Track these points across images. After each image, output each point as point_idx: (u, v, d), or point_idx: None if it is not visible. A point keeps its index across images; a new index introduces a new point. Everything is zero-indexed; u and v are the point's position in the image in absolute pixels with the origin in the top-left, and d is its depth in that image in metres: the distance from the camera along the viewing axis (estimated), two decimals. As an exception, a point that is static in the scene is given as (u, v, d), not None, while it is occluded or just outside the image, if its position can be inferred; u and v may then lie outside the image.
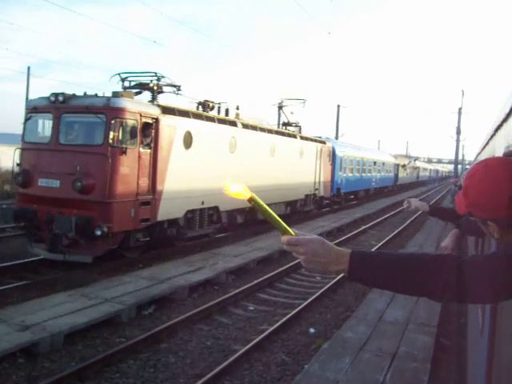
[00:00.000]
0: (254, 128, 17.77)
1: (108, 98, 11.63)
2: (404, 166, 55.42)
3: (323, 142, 25.77)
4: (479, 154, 8.42)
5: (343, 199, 31.33)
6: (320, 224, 21.95)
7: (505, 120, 2.56)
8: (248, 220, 18.54)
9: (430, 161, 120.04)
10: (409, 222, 26.46)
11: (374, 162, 39.44)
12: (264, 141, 18.49)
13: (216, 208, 15.50)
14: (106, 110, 11.37)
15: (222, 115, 17.07)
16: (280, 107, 23.95)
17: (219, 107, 17.23)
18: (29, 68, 47.89)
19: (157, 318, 9.30)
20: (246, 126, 17.09)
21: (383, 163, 43.16)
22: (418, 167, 70.22)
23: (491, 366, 2.49)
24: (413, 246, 17.36)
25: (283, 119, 24.62)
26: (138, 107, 11.98)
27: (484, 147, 6.27)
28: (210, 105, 16.96)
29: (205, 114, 14.89)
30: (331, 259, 1.65)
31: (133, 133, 11.69)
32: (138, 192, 11.91)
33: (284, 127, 23.93)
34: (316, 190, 24.50)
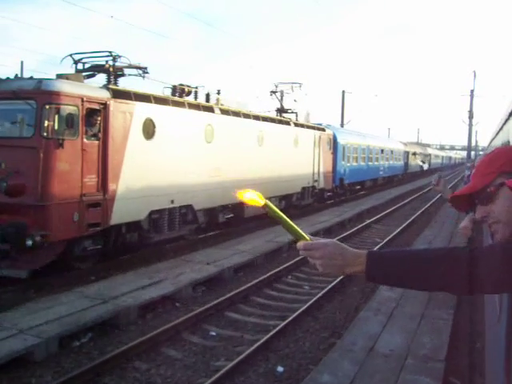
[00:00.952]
0: (237, 114, 15.69)
1: (39, 81, 9.63)
2: (414, 153, 52.99)
3: (322, 130, 23.60)
4: (493, 139, 8.45)
5: (347, 190, 29.15)
6: (319, 219, 19.87)
7: None
8: (234, 218, 16.53)
9: (442, 148, 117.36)
10: (419, 213, 24.29)
11: (382, 150, 37.17)
12: (250, 129, 16.42)
13: (190, 207, 13.47)
14: (37, 95, 9.38)
15: (202, 101, 15.05)
16: (273, 92, 21.78)
17: (196, 91, 15.19)
18: (22, 62, 46.04)
19: (87, 351, 7.32)
20: (225, 112, 15.02)
21: (391, 151, 40.85)
22: (430, 154, 67.63)
23: (510, 353, 2.17)
24: (421, 244, 15.24)
25: (281, 106, 22.44)
26: (78, 90, 9.95)
27: (498, 132, 5.95)
28: (186, 89, 14.95)
29: (172, 98, 12.83)
30: (348, 261, 1.65)
31: (72, 121, 9.69)
32: (82, 192, 9.91)
33: (279, 114, 21.82)
34: (315, 181, 22.38)
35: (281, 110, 22.04)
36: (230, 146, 15.08)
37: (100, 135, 10.32)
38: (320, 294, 10.13)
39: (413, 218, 22.24)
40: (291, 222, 1.69)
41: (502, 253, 1.54)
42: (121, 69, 12.53)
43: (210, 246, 13.85)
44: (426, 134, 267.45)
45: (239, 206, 16.19)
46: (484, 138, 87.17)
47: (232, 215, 16.55)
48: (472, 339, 7.77)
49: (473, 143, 62.57)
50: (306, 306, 9.25)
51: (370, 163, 33.63)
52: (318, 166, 22.60)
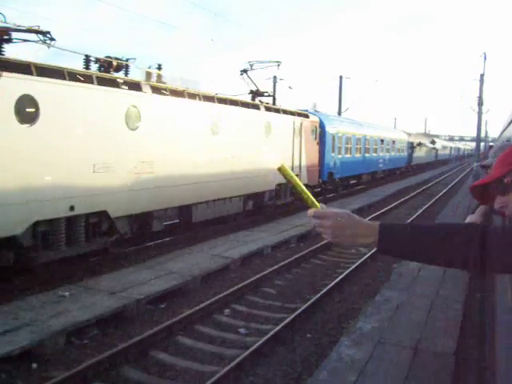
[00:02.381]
0: (178, 94, 12.39)
1: None
2: (420, 144, 49.40)
3: (305, 116, 20.18)
4: (505, 129, 7.38)
5: (339, 186, 25.79)
6: (294, 222, 16.59)
7: None
8: (180, 224, 13.34)
9: (451, 139, 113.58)
10: (420, 211, 21.00)
11: (382, 140, 33.72)
12: (199, 112, 13.13)
13: (104, 213, 10.23)
14: None
15: (137, 77, 11.83)
16: (244, 71, 18.39)
17: (127, 65, 11.95)
18: None
19: None
20: (159, 91, 11.72)
21: (393, 141, 37.34)
22: (436, 145, 63.95)
23: None
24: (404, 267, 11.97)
25: (256, 88, 19.04)
26: None
27: (511, 122, 5.56)
28: (114, 63, 11.74)
29: (67, 69, 9.52)
30: (359, 232, 1.62)
31: None
32: None
33: (253, 98, 18.50)
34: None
35: (255, 93, 18.69)
36: (167, 135, 11.83)
37: None
38: (254, 347, 6.90)
39: (412, 218, 18.91)
40: (304, 188, 1.67)
41: None
42: (5, 31, 9.37)
43: (129, 266, 10.68)
44: (435, 125, 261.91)
45: (185, 210, 12.96)
46: (495, 129, 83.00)
47: (177, 221, 13.35)
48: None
49: (483, 134, 58.88)
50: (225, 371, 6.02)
51: (367, 155, 30.16)
52: (300, 158, 19.26)
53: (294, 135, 18.60)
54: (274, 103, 18.72)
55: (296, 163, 18.94)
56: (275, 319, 8.42)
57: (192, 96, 12.79)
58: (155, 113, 11.44)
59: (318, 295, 9.43)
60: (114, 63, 11.81)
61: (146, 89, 11.29)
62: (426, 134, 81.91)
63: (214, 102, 13.69)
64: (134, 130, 10.83)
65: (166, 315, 8.48)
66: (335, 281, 10.37)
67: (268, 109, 16.91)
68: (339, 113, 38.90)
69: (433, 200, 26.01)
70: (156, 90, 11.57)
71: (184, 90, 12.61)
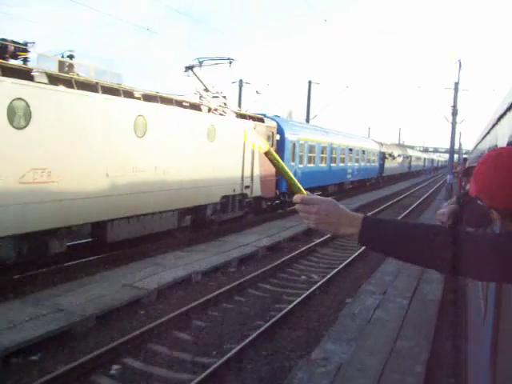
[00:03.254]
0: (89, 87, 10.17)
1: None
2: (391, 154, 47.73)
3: (259, 120, 18.08)
4: (479, 142, 7.55)
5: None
6: (241, 240, 14.44)
7: (509, 109, 2.51)
8: (93, 244, 11.14)
9: (426, 150, 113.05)
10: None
11: (350, 150, 31.80)
12: (118, 110, 10.92)
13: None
14: None
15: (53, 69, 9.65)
16: (190, 68, 16.19)
17: (25, 49, 9.77)
18: None
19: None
20: (56, 81, 9.48)
21: (363, 151, 35.45)
22: (410, 156, 62.50)
23: (496, 354, 2.29)
24: (373, 287, 9.94)
25: (204, 86, 16.84)
26: None
27: (485, 136, 5.77)
28: (10, 47, 9.61)
29: None
30: (343, 221, 1.62)
31: None
32: None
33: (201, 98, 16.36)
34: (246, 188, 16.91)
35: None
36: (71, 136, 9.62)
37: None
38: None
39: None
40: (290, 173, 1.68)
41: (491, 243, 1.52)
42: None
43: (16, 298, 8.46)
44: (410, 136, 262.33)
45: (99, 227, 10.75)
46: (470, 141, 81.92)
47: (90, 239, 11.14)
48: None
49: (457, 146, 57.55)
50: None
51: (334, 165, 28.13)
52: (252, 167, 17.15)
53: (244, 141, 16.47)
54: (225, 105, 16.54)
55: (247, 173, 16.81)
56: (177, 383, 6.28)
57: (108, 90, 10.57)
58: (54, 109, 9.21)
59: (240, 346, 7.29)
60: (11, 47, 9.67)
61: (41, 78, 9.05)
62: (400, 145, 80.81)
63: (138, 98, 11.48)
64: (21, 129, 8.59)
65: (36, 371, 6.36)
66: (268, 323, 8.23)
67: (210, 110, 14.73)
68: (307, 120, 36.95)
69: (403, 214, 24.19)
70: (53, 79, 9.32)
71: (98, 83, 10.39)
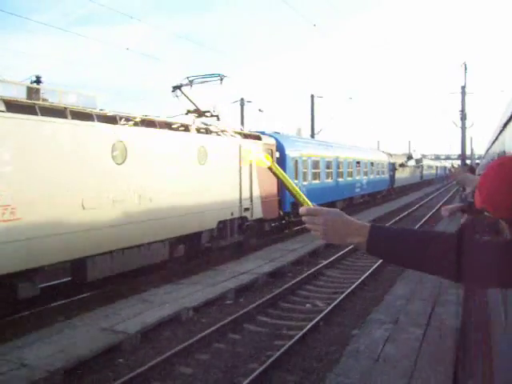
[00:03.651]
0: (56, 113, 9.29)
1: None
2: (402, 164, 46.55)
3: (257, 138, 17.14)
4: (489, 148, 7.37)
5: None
6: (241, 268, 13.41)
7: None
8: (70, 283, 10.23)
9: (437, 158, 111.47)
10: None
11: (358, 162, 30.73)
12: (95, 138, 10.04)
13: None
14: None
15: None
16: (178, 87, 15.31)
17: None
18: None
19: None
20: (15, 109, 8.58)
21: (372, 163, 34.37)
22: (422, 165, 61.20)
23: None
24: (383, 314, 8.85)
25: (196, 107, 15.94)
26: None
27: (493, 142, 5.80)
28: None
29: None
30: (350, 231, 1.64)
31: None
32: None
33: (196, 116, 15.49)
34: (245, 210, 15.91)
35: (194, 112, 15.66)
36: (32, 167, 8.72)
37: None
38: None
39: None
40: (295, 186, 1.71)
41: (496, 250, 1.52)
42: None
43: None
44: (420, 145, 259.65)
45: (78, 264, 9.82)
46: (481, 146, 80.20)
47: (69, 278, 10.20)
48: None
49: (468, 151, 56.20)
50: None
51: (341, 179, 27.06)
52: (250, 188, 16.16)
53: (240, 161, 15.52)
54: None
55: (245, 194, 15.82)
56: None
57: (78, 115, 9.67)
58: (14, 139, 8.33)
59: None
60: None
61: (-3, 106, 8.17)
62: (410, 155, 79.60)
63: (114, 122, 10.58)
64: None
65: None
66: (262, 367, 7.17)
67: (202, 131, 13.81)
68: (312, 135, 36.00)
69: (416, 226, 22.99)
70: (16, 107, 8.44)
71: (66, 108, 9.51)
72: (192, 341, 8.24)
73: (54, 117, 9.11)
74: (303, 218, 1.67)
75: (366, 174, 32.63)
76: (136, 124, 11.16)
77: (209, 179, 13.71)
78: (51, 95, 10.13)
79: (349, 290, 11.47)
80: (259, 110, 40.50)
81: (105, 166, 10.21)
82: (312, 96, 35.80)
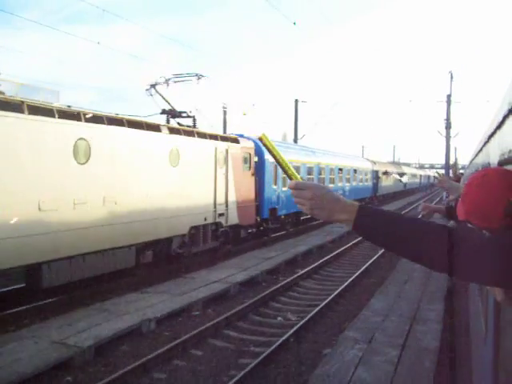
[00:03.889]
0: (11, 107, 8.59)
1: None
2: (386, 172, 46.20)
3: (233, 141, 16.52)
4: (473, 159, 7.31)
5: (286, 223, 22.09)
6: (213, 276, 12.74)
7: (498, 127, 2.51)
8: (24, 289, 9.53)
9: (421, 166, 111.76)
10: (377, 256, 17.20)
11: (340, 169, 30.26)
12: (55, 135, 9.36)
13: None
14: None
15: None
16: (153, 86, 14.66)
17: None
18: None
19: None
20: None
21: (355, 170, 33.92)
22: (405, 173, 60.98)
23: (497, 376, 2.16)
24: (358, 332, 8.26)
25: (171, 107, 15.30)
26: None
27: (478, 153, 5.80)
28: None
29: None
30: (338, 208, 1.61)
31: None
32: None
33: (168, 119, 14.88)
34: (220, 215, 15.26)
35: (169, 113, 15.03)
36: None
37: None
38: None
39: (366, 265, 15.24)
40: (285, 159, 1.72)
41: (489, 245, 1.49)
42: None
43: None
44: (405, 153, 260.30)
45: (33, 270, 9.12)
46: (466, 156, 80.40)
47: (23, 285, 9.50)
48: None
49: (452, 160, 56.05)
50: None
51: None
52: (226, 192, 15.53)
53: (216, 164, 14.89)
54: (194, 125, 14.99)
55: (220, 199, 15.18)
56: None
57: (37, 110, 8.98)
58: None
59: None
60: None
61: None
62: (395, 162, 79.47)
63: (78, 119, 9.90)
64: None
65: None
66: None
67: (173, 131, 13.16)
68: (295, 140, 35.47)
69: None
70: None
71: (23, 102, 8.82)
72: (150, 357, 7.59)
73: (8, 111, 8.41)
74: (292, 192, 1.64)
75: (348, 180, 32.15)
76: (102, 122, 10.48)
77: (181, 182, 13.06)
78: (10, 88, 9.42)
79: (324, 303, 10.88)
80: (243, 114, 40.01)
81: (65, 166, 9.53)
82: (296, 101, 35.26)
